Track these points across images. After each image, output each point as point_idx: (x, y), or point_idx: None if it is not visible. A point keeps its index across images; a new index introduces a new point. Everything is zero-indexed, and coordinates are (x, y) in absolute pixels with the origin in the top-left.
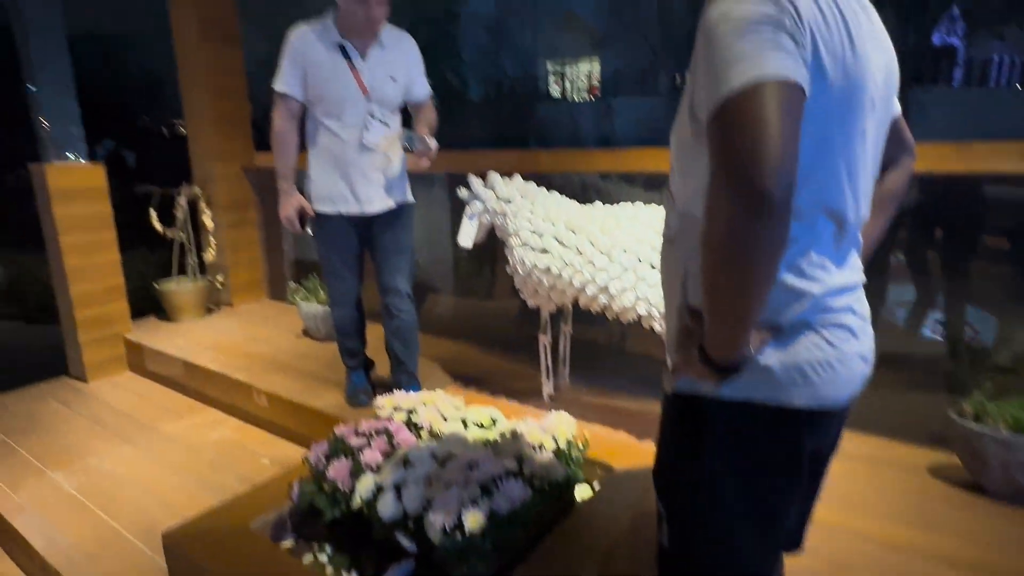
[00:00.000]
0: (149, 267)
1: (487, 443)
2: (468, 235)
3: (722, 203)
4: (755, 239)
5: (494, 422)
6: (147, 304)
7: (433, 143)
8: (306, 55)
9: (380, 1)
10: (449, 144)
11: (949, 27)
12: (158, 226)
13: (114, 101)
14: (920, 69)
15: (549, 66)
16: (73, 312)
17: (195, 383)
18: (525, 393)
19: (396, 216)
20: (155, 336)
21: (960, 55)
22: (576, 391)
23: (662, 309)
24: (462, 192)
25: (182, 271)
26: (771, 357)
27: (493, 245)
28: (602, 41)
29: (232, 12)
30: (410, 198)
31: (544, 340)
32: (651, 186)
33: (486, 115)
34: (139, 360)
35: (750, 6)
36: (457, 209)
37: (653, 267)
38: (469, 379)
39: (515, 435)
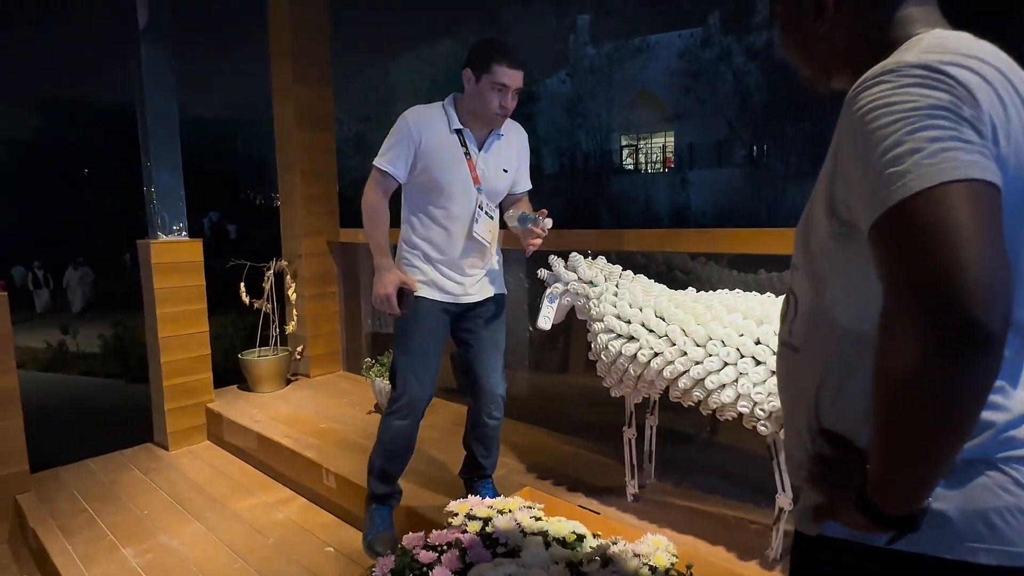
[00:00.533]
0: (236, 335)
1: (572, 566)
2: (548, 318)
3: (910, 334)
4: (959, 379)
5: (579, 539)
6: (233, 371)
7: (549, 221)
8: (422, 137)
9: (515, 93)
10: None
11: None
12: (245, 298)
13: (223, 178)
14: None
15: (623, 140)
16: (162, 381)
17: (267, 458)
18: (607, 491)
19: (494, 307)
20: (234, 406)
21: None
22: (663, 490)
23: (767, 408)
24: (543, 273)
25: (265, 342)
26: (946, 501)
27: (570, 323)
28: (676, 115)
29: (328, 102)
30: (504, 289)
31: (629, 434)
32: (745, 268)
33: (560, 188)
34: (218, 430)
35: (917, 93)
36: (533, 286)
37: (757, 362)
38: (544, 471)
39: (605, 559)
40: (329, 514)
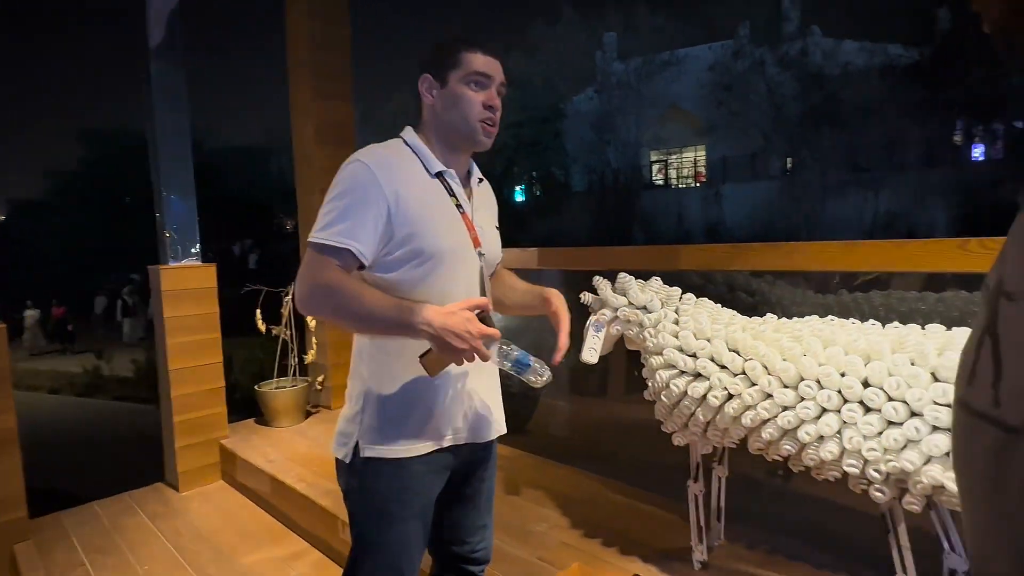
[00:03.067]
0: (252, 367)
1: None
2: (594, 350)
3: None
4: None
5: None
6: (250, 402)
7: (562, 315)
8: (398, 191)
9: (501, 89)
10: (551, 237)
11: None
12: (262, 326)
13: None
14: None
15: (653, 156)
16: (172, 417)
17: (280, 503)
18: (668, 555)
19: (492, 449)
20: (249, 443)
21: None
22: (736, 555)
23: (884, 469)
24: (586, 298)
25: (283, 372)
26: None
27: (619, 347)
28: (708, 128)
29: (349, 117)
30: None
31: (695, 489)
32: (821, 287)
33: (590, 206)
34: (232, 469)
35: None
36: (572, 306)
37: (867, 409)
38: (591, 526)
39: None
40: None
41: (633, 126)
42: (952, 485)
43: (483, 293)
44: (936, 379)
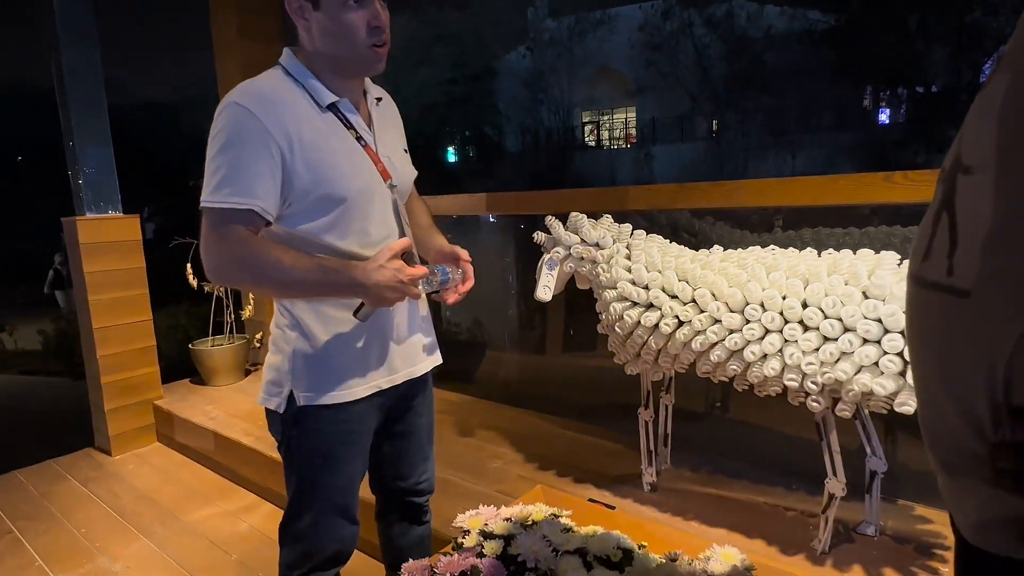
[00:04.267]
0: (189, 324)
1: None
2: (548, 287)
3: None
4: None
5: (626, 555)
6: (185, 365)
7: (469, 267)
8: (289, 132)
9: (384, 6)
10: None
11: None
12: (193, 281)
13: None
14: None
15: (585, 116)
16: (100, 378)
17: (226, 459)
18: (620, 481)
19: (428, 380)
20: (187, 403)
21: None
22: (682, 477)
23: (820, 380)
24: (539, 237)
25: (219, 330)
26: None
27: (569, 292)
28: (638, 89)
29: (277, 54)
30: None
31: (646, 416)
32: (759, 227)
33: (524, 165)
34: (168, 430)
35: None
36: (524, 252)
37: (806, 328)
38: (545, 460)
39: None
40: None
41: (566, 85)
42: (879, 389)
43: (401, 229)
44: (867, 296)
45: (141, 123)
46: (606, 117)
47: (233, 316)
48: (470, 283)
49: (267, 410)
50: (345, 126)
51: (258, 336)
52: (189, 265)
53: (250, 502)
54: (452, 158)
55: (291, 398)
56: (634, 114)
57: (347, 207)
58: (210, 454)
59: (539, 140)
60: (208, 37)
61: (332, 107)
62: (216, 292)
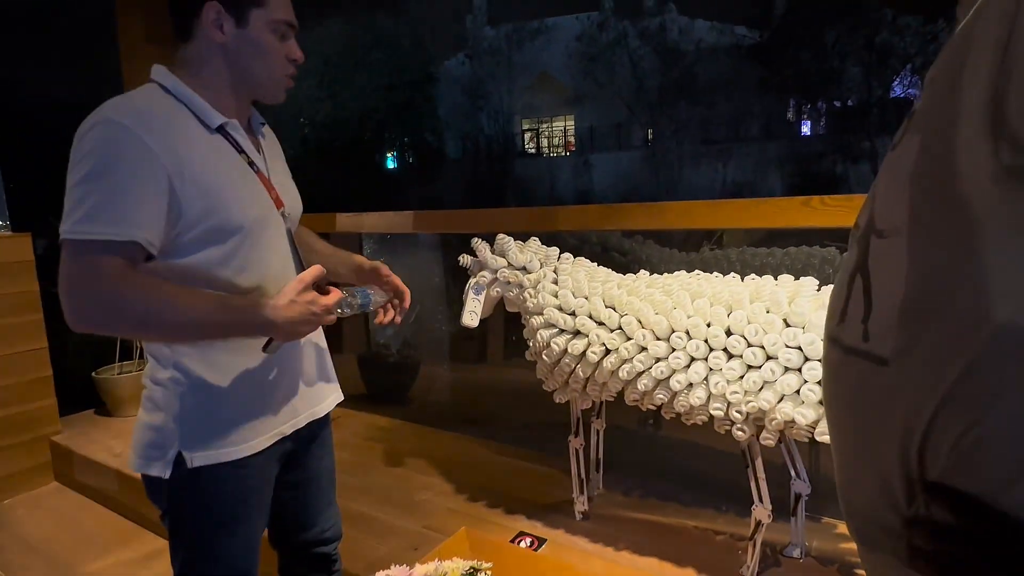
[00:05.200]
0: (89, 350)
1: None
2: (474, 313)
3: None
4: None
5: None
6: (90, 392)
7: (395, 280)
8: (179, 155)
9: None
10: (425, 205)
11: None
12: None
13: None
14: (884, 118)
15: (525, 124)
16: None
17: (131, 500)
18: (551, 509)
19: (328, 420)
20: (88, 438)
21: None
22: (614, 501)
23: (744, 409)
24: (465, 260)
25: (126, 355)
26: None
27: (497, 316)
28: (576, 98)
29: None
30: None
31: (576, 444)
32: (688, 246)
33: (464, 172)
34: (67, 468)
35: None
36: (455, 268)
37: (730, 356)
38: (475, 490)
39: None
40: None
41: (505, 93)
42: (800, 419)
43: (297, 259)
44: (787, 324)
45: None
46: (545, 125)
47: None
48: (407, 299)
49: (146, 477)
50: (236, 150)
51: None
52: None
53: (156, 547)
54: (391, 164)
55: (179, 460)
56: (573, 122)
57: (242, 237)
58: (113, 494)
59: (479, 147)
60: (112, 36)
61: (221, 129)
62: None
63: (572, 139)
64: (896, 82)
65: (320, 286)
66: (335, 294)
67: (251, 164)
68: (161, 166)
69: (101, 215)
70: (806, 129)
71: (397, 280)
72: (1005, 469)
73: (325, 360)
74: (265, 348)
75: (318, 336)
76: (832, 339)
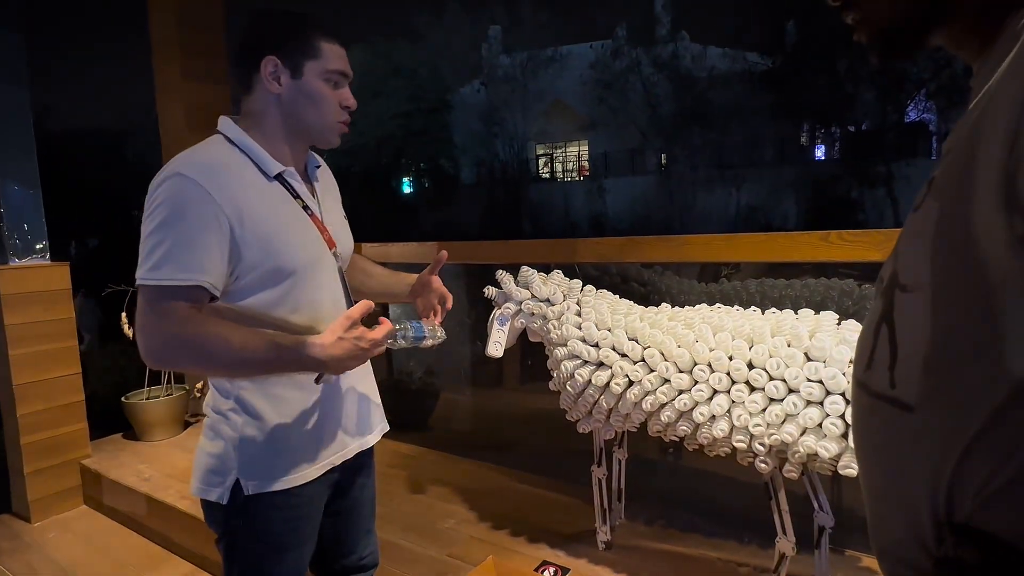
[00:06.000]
0: (124, 369)
1: None
2: (499, 344)
3: None
4: None
5: None
6: (118, 416)
7: (440, 329)
8: (240, 206)
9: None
10: (441, 229)
11: (922, 104)
12: (128, 331)
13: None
14: (899, 143)
15: (539, 149)
16: (19, 438)
17: (159, 525)
18: (574, 539)
19: (372, 451)
20: (117, 461)
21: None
22: (636, 531)
23: (768, 442)
24: (490, 291)
25: (154, 380)
26: None
27: (517, 344)
28: (590, 124)
29: (222, 99)
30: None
31: (599, 474)
32: (706, 277)
33: (480, 198)
34: (96, 492)
35: None
36: (477, 298)
37: (752, 388)
38: (499, 518)
39: None
40: None
41: (520, 119)
42: (823, 452)
43: (347, 297)
44: (809, 358)
45: (74, 152)
46: (559, 150)
47: None
48: (449, 302)
49: (205, 501)
50: (292, 195)
51: (199, 385)
52: (124, 314)
53: (185, 572)
54: (408, 189)
55: (236, 487)
56: (587, 148)
57: (296, 279)
58: (142, 519)
59: (494, 172)
60: (149, 71)
61: (279, 176)
62: None
63: (586, 164)
64: (911, 107)
65: (370, 319)
66: (384, 327)
67: (305, 208)
68: (224, 217)
69: (171, 262)
70: (820, 154)
71: (441, 287)
72: None
73: (373, 391)
74: (317, 380)
75: (367, 367)
76: (860, 384)
